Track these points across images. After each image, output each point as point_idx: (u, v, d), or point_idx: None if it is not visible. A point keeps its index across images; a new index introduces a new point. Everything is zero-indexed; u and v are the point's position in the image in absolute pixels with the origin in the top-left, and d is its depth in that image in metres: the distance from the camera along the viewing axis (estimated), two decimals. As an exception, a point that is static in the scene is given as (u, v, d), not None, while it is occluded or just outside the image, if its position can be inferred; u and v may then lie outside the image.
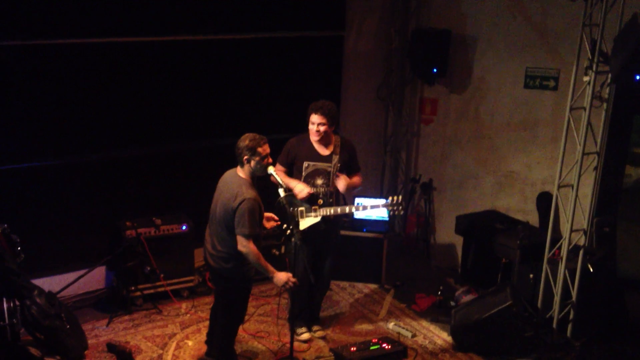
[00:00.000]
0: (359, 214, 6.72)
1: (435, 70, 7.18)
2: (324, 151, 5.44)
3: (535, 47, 6.63)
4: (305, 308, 5.76)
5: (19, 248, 5.20)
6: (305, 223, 5.31)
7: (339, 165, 5.42)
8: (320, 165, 5.42)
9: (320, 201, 5.36)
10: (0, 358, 4.59)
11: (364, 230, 6.74)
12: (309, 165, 5.41)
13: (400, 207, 5.41)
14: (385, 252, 6.75)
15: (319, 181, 5.42)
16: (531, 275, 6.09)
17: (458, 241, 7.29)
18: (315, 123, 5.31)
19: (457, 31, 7.12)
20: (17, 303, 5.03)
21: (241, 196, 4.60)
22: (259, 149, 4.69)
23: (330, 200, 5.42)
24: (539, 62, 6.61)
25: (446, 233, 7.54)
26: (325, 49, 7.21)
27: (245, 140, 4.69)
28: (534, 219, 6.73)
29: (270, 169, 4.85)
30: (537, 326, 5.68)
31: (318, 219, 5.33)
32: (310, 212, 5.33)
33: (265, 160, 4.76)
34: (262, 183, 4.95)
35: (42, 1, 5.53)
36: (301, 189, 5.30)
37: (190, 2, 6.23)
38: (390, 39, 7.59)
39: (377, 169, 8.00)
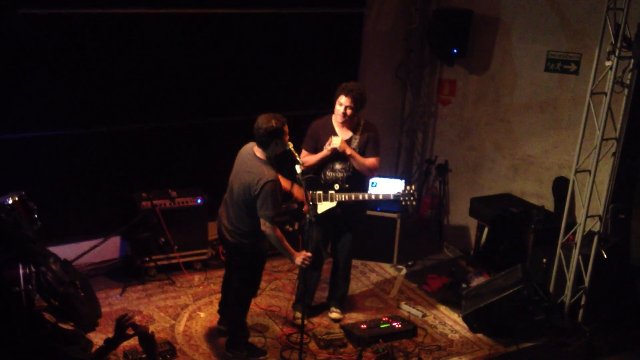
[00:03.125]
0: (373, 192, 6.69)
1: (455, 50, 7.10)
2: (345, 134, 5.35)
3: (557, 31, 6.54)
4: (310, 292, 5.71)
5: (35, 215, 5.26)
6: (321, 207, 5.26)
7: (357, 149, 5.34)
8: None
9: (337, 186, 5.31)
10: (16, 323, 4.65)
11: (378, 209, 6.74)
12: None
13: (413, 198, 5.32)
14: (398, 231, 6.76)
15: (338, 165, 5.35)
16: (544, 260, 6.08)
17: (472, 223, 7.28)
18: (343, 105, 5.22)
19: (479, 11, 7.03)
20: (33, 269, 5.10)
21: (264, 178, 4.59)
22: (285, 128, 4.69)
23: (346, 186, 5.32)
24: (561, 45, 6.52)
25: (460, 215, 7.53)
26: (345, 26, 7.16)
27: (269, 122, 4.61)
28: (549, 203, 6.70)
29: (289, 145, 4.84)
30: (548, 310, 5.70)
31: (334, 204, 5.29)
32: (327, 196, 5.29)
33: (286, 137, 4.76)
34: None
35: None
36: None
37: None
38: (411, 18, 7.53)
39: (393, 149, 7.98)
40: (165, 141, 6.45)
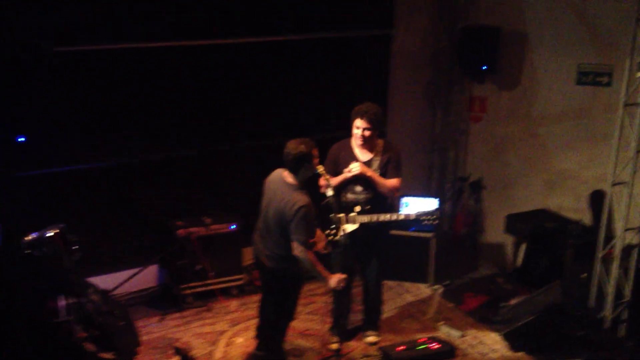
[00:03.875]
0: (406, 212, 6.68)
1: (485, 67, 7.10)
2: (365, 156, 5.30)
3: (587, 43, 6.47)
4: (344, 314, 5.68)
5: (75, 247, 5.36)
6: (346, 230, 5.17)
7: (379, 171, 5.28)
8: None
9: (358, 208, 5.24)
10: (57, 354, 4.75)
11: (411, 229, 6.71)
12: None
13: (435, 217, 5.27)
14: (433, 251, 6.71)
15: (358, 187, 5.28)
16: (584, 275, 5.97)
17: (508, 240, 7.19)
18: (360, 128, 5.16)
19: (507, 28, 7.01)
20: (74, 300, 5.20)
21: (297, 204, 4.60)
22: (313, 152, 4.71)
23: (368, 207, 5.24)
24: (591, 57, 6.45)
25: (495, 232, 7.44)
26: (373, 48, 7.21)
27: (298, 147, 4.64)
28: (587, 218, 6.59)
29: (320, 169, 4.87)
30: (589, 326, 5.58)
31: (356, 226, 5.22)
32: (348, 219, 5.23)
33: (316, 160, 4.79)
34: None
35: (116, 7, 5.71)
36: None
37: (240, 6, 6.29)
38: (439, 37, 7.54)
39: (424, 168, 7.96)
40: (198, 169, 6.55)
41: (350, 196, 5.30)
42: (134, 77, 6.03)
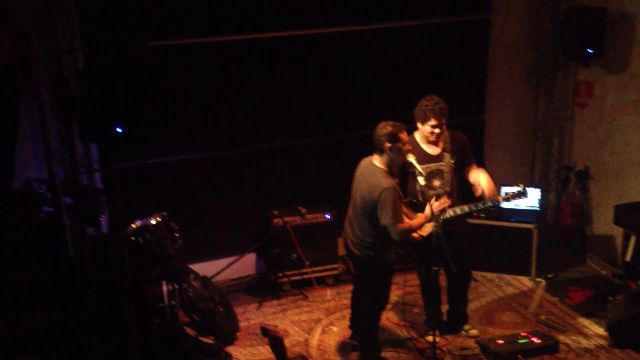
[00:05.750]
0: (506, 204, 6.47)
1: (590, 50, 6.75)
2: (433, 150, 5.13)
3: None
4: (436, 306, 5.50)
5: (177, 235, 5.58)
6: (427, 229, 4.98)
7: (452, 162, 5.10)
8: (434, 166, 5.11)
9: None
10: (160, 337, 4.95)
11: (512, 220, 6.50)
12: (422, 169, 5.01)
13: (523, 192, 5.04)
14: (535, 243, 6.47)
15: (436, 183, 5.11)
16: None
17: (617, 233, 6.82)
18: (437, 126, 4.98)
19: (614, 8, 6.63)
20: (176, 286, 5.41)
21: (380, 187, 4.60)
22: (401, 135, 4.68)
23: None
24: None
25: (604, 224, 7.08)
26: (471, 33, 7.03)
27: (386, 127, 4.66)
28: None
29: (410, 157, 4.81)
30: None
31: (439, 222, 5.01)
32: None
33: (406, 147, 4.73)
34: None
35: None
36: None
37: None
38: (541, 20, 7.23)
39: (526, 157, 7.67)
40: (294, 160, 6.65)
41: (429, 192, 5.10)
42: (230, 70, 6.19)
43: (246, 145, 6.43)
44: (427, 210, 4.85)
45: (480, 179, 5.10)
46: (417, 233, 4.97)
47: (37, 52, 5.20)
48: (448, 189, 5.14)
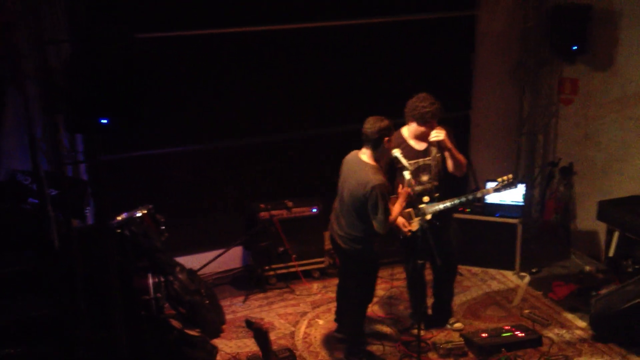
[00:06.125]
0: (491, 199, 6.53)
1: (575, 47, 6.81)
2: (420, 145, 5.12)
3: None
4: (421, 300, 5.52)
5: (163, 227, 5.56)
6: (416, 224, 5.05)
7: (439, 156, 5.11)
8: (422, 161, 5.13)
9: (426, 198, 5.07)
10: (146, 329, 4.95)
11: (497, 215, 6.55)
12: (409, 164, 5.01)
13: (513, 180, 5.08)
14: (519, 238, 6.53)
15: (424, 177, 5.12)
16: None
17: (601, 228, 6.89)
18: (433, 127, 5.00)
19: (598, 6, 6.68)
20: (162, 279, 5.39)
21: (370, 183, 4.62)
22: (392, 129, 4.74)
23: (436, 195, 5.09)
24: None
25: (588, 219, 7.13)
26: (457, 29, 7.07)
27: (380, 121, 4.68)
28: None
29: (396, 152, 4.84)
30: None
31: (429, 217, 5.06)
32: (419, 212, 5.07)
33: (391, 145, 4.77)
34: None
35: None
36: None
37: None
38: (527, 16, 7.27)
39: (511, 152, 7.72)
40: (280, 153, 6.66)
41: (417, 187, 5.08)
42: (218, 63, 6.18)
43: (233, 139, 6.43)
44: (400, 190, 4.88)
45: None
46: (407, 228, 5.02)
47: (22, 43, 5.16)
48: (436, 183, 5.17)
